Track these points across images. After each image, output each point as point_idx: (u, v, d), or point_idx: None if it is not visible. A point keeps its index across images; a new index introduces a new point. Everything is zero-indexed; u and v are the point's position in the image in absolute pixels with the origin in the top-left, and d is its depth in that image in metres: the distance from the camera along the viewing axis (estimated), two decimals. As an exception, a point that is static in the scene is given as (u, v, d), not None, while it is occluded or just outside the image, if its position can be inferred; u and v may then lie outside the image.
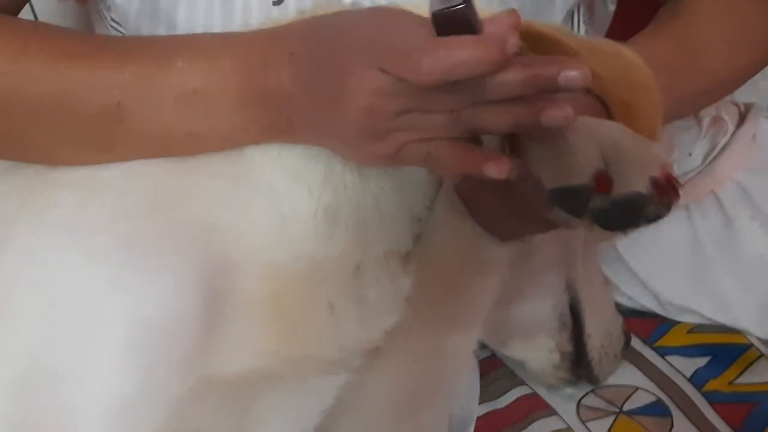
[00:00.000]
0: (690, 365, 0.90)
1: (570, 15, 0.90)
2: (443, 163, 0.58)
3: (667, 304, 0.96)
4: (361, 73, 0.57)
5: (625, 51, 0.72)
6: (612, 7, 1.56)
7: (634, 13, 0.99)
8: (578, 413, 0.87)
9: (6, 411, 0.62)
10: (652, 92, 0.69)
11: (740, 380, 0.89)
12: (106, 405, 0.61)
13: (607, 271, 0.94)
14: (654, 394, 0.88)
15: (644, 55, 0.71)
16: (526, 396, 0.89)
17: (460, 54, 0.53)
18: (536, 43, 0.67)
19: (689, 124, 0.94)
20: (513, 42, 0.54)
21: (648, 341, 0.93)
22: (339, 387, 0.68)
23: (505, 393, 0.90)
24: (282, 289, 0.64)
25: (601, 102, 0.68)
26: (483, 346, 0.90)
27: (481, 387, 0.89)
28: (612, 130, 0.61)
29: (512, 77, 0.55)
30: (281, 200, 0.65)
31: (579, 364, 0.87)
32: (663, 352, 0.92)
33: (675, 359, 0.91)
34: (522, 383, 0.90)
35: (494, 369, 0.92)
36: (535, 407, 0.88)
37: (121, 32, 0.82)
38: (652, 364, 0.91)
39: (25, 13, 1.04)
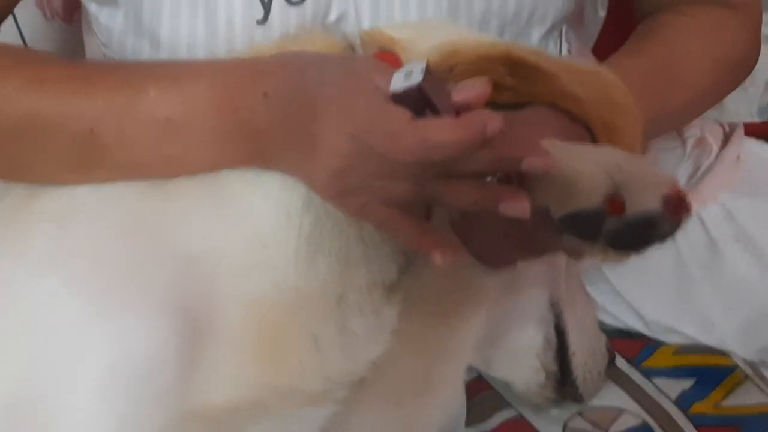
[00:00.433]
0: (676, 387, 0.91)
1: (550, 34, 0.91)
2: (396, 230, 0.60)
3: (652, 324, 0.96)
4: (334, 137, 0.58)
5: (603, 71, 0.72)
6: (602, 13, 1.57)
7: (625, 18, 1.00)
8: (564, 436, 0.88)
9: None
10: (632, 111, 0.70)
11: (726, 403, 0.89)
12: None
13: (592, 291, 0.94)
14: (639, 416, 0.88)
15: (622, 75, 0.72)
16: (512, 419, 0.90)
17: (439, 138, 0.54)
18: (516, 68, 0.67)
19: (674, 145, 0.95)
20: (493, 127, 0.54)
21: (634, 362, 0.94)
22: (324, 418, 0.67)
23: (492, 416, 0.90)
24: (264, 318, 0.64)
25: (582, 124, 0.69)
26: (469, 367, 0.90)
27: (467, 409, 0.89)
28: (613, 152, 0.62)
29: (483, 156, 0.55)
30: (262, 228, 0.65)
31: (564, 383, 0.87)
32: (649, 374, 0.93)
33: (661, 381, 0.91)
34: (508, 406, 0.90)
35: (480, 391, 0.92)
36: (521, 430, 0.88)
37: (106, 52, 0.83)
38: (638, 386, 0.91)
39: (11, 33, 1.05)
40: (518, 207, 0.56)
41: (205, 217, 0.65)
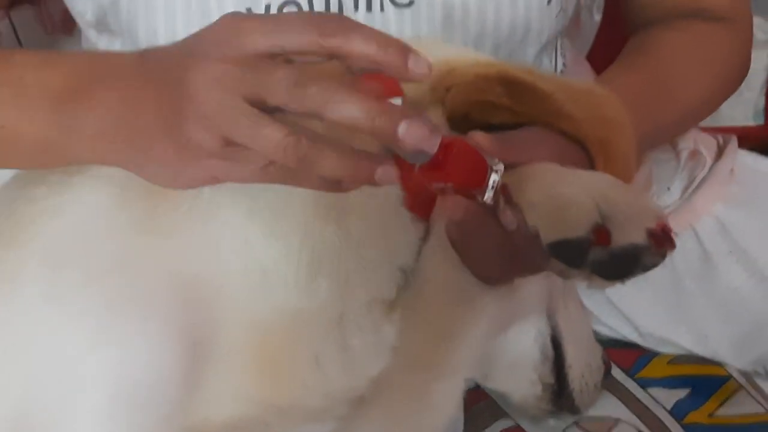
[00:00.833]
0: (670, 397, 0.91)
1: (545, 50, 0.92)
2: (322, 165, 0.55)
3: (647, 335, 0.97)
4: (202, 66, 0.55)
5: (597, 88, 0.74)
6: (598, 17, 1.58)
7: (620, 23, 1.00)
8: (561, 446, 0.89)
9: None
10: (626, 126, 0.71)
11: (720, 412, 0.90)
12: None
13: (588, 302, 0.95)
14: (635, 426, 0.89)
15: (616, 90, 0.73)
16: (509, 429, 0.90)
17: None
18: (512, 88, 0.68)
19: (668, 158, 0.96)
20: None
21: (630, 372, 0.95)
22: (325, 435, 0.68)
23: (489, 426, 0.91)
24: (266, 338, 0.64)
25: (577, 142, 0.70)
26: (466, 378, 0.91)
27: (464, 420, 0.89)
28: (603, 181, 0.63)
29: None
30: (260, 256, 0.65)
31: (561, 395, 0.88)
32: (644, 384, 0.93)
33: (656, 391, 0.92)
34: (505, 416, 0.91)
35: (478, 401, 0.92)
36: (518, 441, 0.89)
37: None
38: (634, 396, 0.92)
39: (12, 46, 1.06)
40: (386, 172, 0.55)
41: (204, 247, 0.66)
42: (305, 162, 0.54)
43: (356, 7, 0.81)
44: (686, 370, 0.94)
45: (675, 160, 0.95)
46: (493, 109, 0.68)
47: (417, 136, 0.54)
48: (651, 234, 0.59)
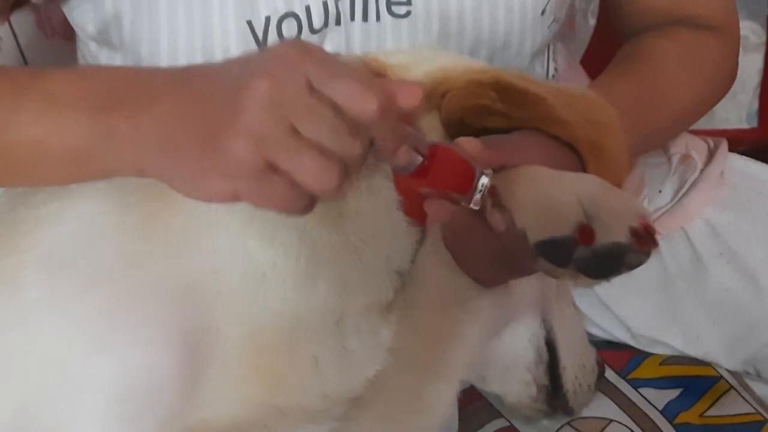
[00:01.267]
0: (662, 397, 0.93)
1: (537, 57, 0.93)
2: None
3: (640, 336, 0.98)
4: (261, 87, 0.56)
5: (589, 93, 0.75)
6: (593, 21, 1.59)
7: (615, 27, 1.02)
8: (555, 446, 0.90)
9: None
10: (617, 131, 0.72)
11: (711, 412, 0.91)
12: None
13: (581, 304, 0.96)
14: (627, 426, 0.90)
15: (608, 96, 0.74)
16: (503, 429, 0.91)
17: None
18: (505, 93, 0.69)
19: (659, 161, 0.97)
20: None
21: (622, 373, 0.96)
22: (323, 435, 0.69)
23: (483, 426, 0.92)
24: (264, 342, 0.65)
25: (569, 146, 0.71)
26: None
27: (459, 420, 0.90)
28: (589, 182, 0.64)
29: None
30: (259, 262, 0.66)
31: (555, 396, 0.89)
32: (636, 385, 0.94)
33: (647, 391, 0.93)
34: (499, 416, 0.92)
35: (472, 402, 0.93)
36: (512, 441, 0.90)
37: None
38: (626, 397, 0.93)
39: (11, 51, 1.06)
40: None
41: (202, 253, 0.66)
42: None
43: (352, 17, 0.82)
44: (678, 371, 0.95)
45: (666, 164, 0.96)
46: (487, 114, 0.69)
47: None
48: (634, 232, 0.60)
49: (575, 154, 0.71)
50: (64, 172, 0.65)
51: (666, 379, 0.94)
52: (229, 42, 0.78)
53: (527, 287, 0.81)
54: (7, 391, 0.64)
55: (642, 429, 0.89)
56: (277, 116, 0.55)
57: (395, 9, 0.83)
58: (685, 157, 0.96)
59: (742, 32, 1.68)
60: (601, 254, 0.60)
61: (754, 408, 0.92)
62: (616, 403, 0.92)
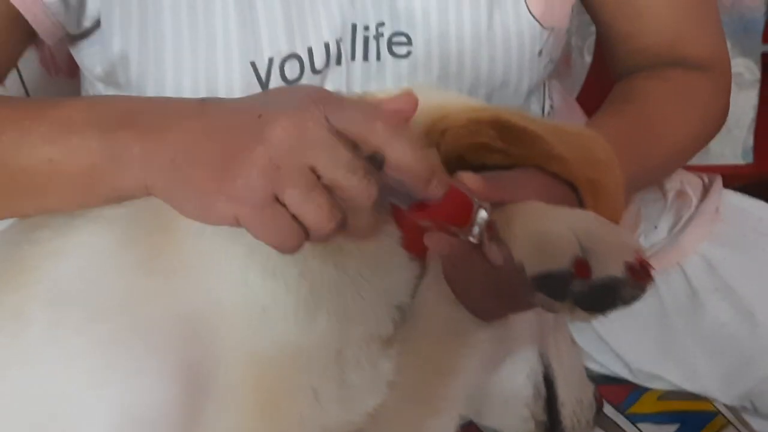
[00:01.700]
0: (660, 432, 0.93)
1: (533, 94, 0.94)
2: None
3: (637, 371, 0.98)
4: (283, 121, 0.58)
5: (586, 131, 0.76)
6: (589, 58, 1.61)
7: (609, 67, 1.03)
8: (553, 482, 0.89)
9: None
10: (614, 168, 0.73)
11: (708, 448, 0.91)
12: None
13: (579, 339, 0.96)
14: (625, 461, 0.90)
15: (604, 134, 0.75)
16: (501, 464, 0.91)
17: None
18: (504, 131, 0.71)
19: (655, 197, 0.97)
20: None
21: (620, 408, 0.96)
22: (322, 469, 0.69)
23: (481, 461, 0.92)
24: (265, 374, 0.66)
25: (568, 183, 0.72)
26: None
27: (458, 455, 0.91)
28: (586, 218, 0.65)
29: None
30: (260, 295, 0.67)
31: (553, 432, 0.90)
32: (634, 420, 0.94)
33: (646, 426, 0.93)
34: (498, 451, 0.92)
35: (471, 437, 0.94)
36: (510, 474, 0.90)
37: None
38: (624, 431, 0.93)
39: (15, 87, 1.08)
40: None
41: (204, 286, 0.67)
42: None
43: (353, 56, 0.83)
44: (675, 405, 0.95)
45: (662, 200, 0.97)
46: (486, 151, 0.71)
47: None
48: (629, 267, 0.61)
49: (573, 191, 0.72)
50: (75, 193, 0.66)
51: (664, 414, 0.94)
52: (232, 82, 0.80)
53: (525, 321, 0.81)
54: (12, 424, 0.65)
55: (640, 464, 0.90)
56: (295, 152, 0.57)
57: (396, 49, 0.84)
58: (681, 194, 0.97)
59: (736, 69, 1.72)
60: (598, 288, 0.61)
61: (752, 443, 0.93)
62: (615, 438, 0.93)
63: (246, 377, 0.66)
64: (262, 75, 0.81)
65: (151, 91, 0.81)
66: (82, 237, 0.69)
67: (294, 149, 0.57)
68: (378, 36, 0.83)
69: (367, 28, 0.83)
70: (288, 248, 0.59)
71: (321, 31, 0.82)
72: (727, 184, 1.00)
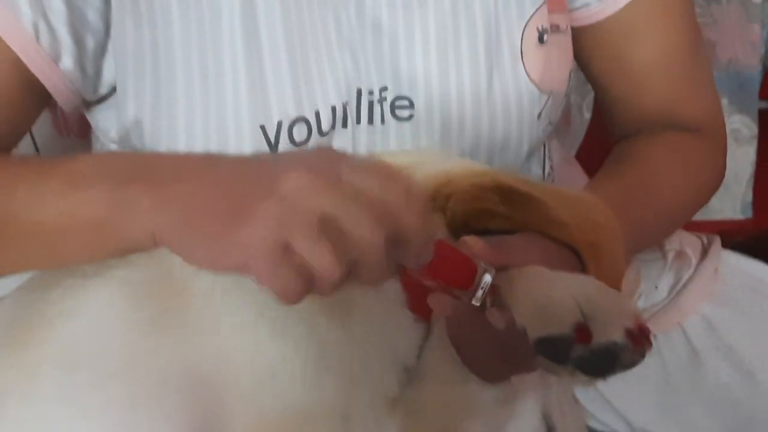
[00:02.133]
0: (663, 492, 0.93)
1: (533, 155, 0.96)
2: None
3: (640, 430, 0.98)
4: (295, 175, 0.59)
5: (587, 195, 0.77)
6: (588, 115, 1.63)
7: (607, 129, 1.05)
8: None
9: None
10: (615, 231, 0.75)
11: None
12: None
13: (582, 398, 0.97)
14: None
15: (603, 197, 0.77)
16: None
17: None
18: (507, 196, 0.72)
19: (655, 258, 0.98)
20: None
21: (623, 467, 0.96)
22: None
23: None
24: None
25: (569, 247, 0.74)
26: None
27: None
28: (586, 283, 0.67)
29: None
30: (269, 356, 0.68)
31: (556, 492, 0.90)
32: (637, 479, 0.95)
33: (648, 485, 0.94)
34: None
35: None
36: None
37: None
38: (627, 490, 0.93)
39: (25, 145, 1.09)
40: None
41: (214, 346, 0.69)
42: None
43: (359, 120, 0.85)
44: (677, 464, 0.96)
45: (662, 260, 0.98)
46: (490, 216, 0.72)
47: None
48: (629, 333, 0.62)
49: (575, 255, 0.73)
50: (86, 245, 0.67)
51: (666, 474, 0.95)
52: (242, 145, 0.82)
53: (529, 383, 0.82)
54: None
55: None
56: (306, 202, 0.58)
57: (399, 112, 0.86)
58: (680, 254, 0.98)
59: (734, 126, 1.74)
60: (598, 353, 0.62)
61: (753, 503, 0.92)
62: (618, 497, 0.93)
63: None
64: (272, 138, 0.83)
65: None
66: (94, 297, 0.71)
67: (305, 199, 0.58)
68: (381, 100, 0.85)
69: (371, 92, 0.85)
70: (292, 296, 0.59)
71: (328, 94, 0.84)
72: (726, 240, 1.01)
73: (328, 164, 0.60)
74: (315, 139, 0.83)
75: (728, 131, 1.70)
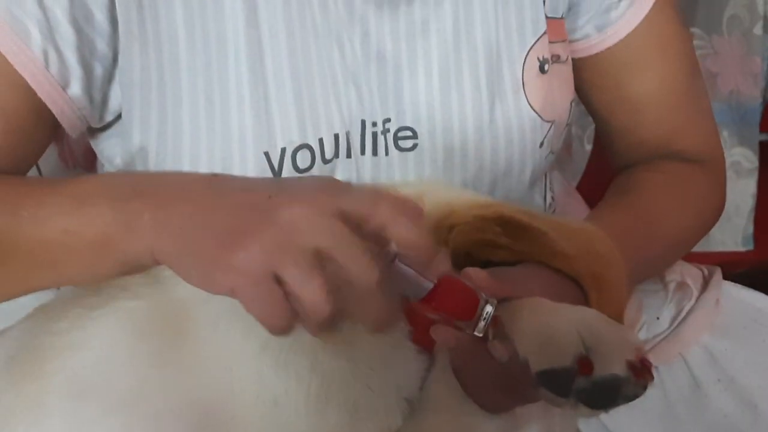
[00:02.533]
0: None
1: (535, 185, 0.97)
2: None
3: (643, 460, 0.99)
4: (296, 205, 0.60)
5: (589, 227, 0.78)
6: (589, 147, 1.64)
7: (608, 160, 1.06)
8: None
9: None
10: (617, 262, 0.76)
11: None
12: None
13: (585, 429, 0.97)
14: None
15: (604, 228, 0.78)
16: None
17: None
18: (509, 227, 0.73)
19: (656, 289, 0.99)
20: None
21: (625, 498, 0.96)
22: None
23: None
24: None
25: (571, 278, 0.74)
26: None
27: None
28: (588, 315, 0.67)
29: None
30: (272, 387, 0.69)
31: None
32: None
33: None
34: None
35: None
36: None
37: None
38: None
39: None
40: None
41: (219, 378, 0.69)
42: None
43: (362, 151, 0.86)
44: (680, 496, 0.95)
45: (663, 292, 0.98)
46: (492, 247, 0.73)
47: None
48: (631, 365, 0.63)
49: (577, 286, 0.74)
50: (88, 261, 0.68)
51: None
52: (247, 171, 0.82)
53: (532, 414, 0.82)
54: None
55: None
56: (301, 234, 0.59)
57: (402, 143, 0.87)
58: (681, 285, 0.98)
59: (735, 158, 1.75)
60: (600, 385, 0.63)
61: None
62: None
63: None
64: (275, 164, 0.83)
65: None
66: (100, 329, 0.72)
67: (300, 231, 0.59)
68: (385, 131, 0.86)
69: (375, 124, 0.86)
70: (276, 326, 0.61)
71: (332, 123, 0.85)
72: (728, 271, 1.01)
73: (329, 195, 0.61)
74: (318, 166, 0.84)
75: (729, 164, 1.72)
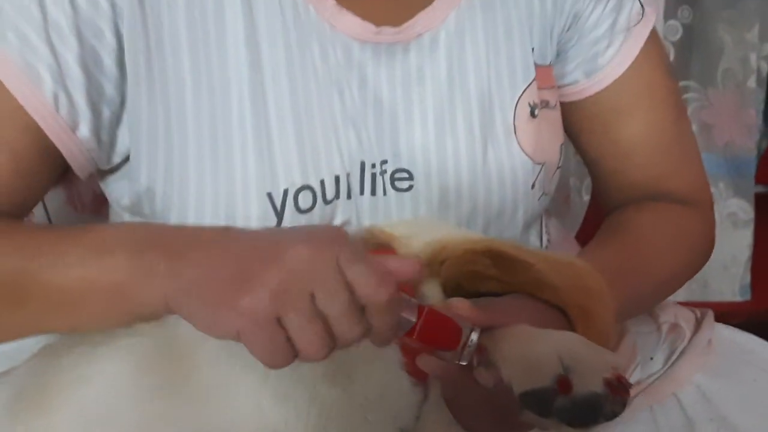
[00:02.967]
0: None
1: (532, 227, 0.99)
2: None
3: (636, 498, 0.99)
4: (299, 250, 0.63)
5: (578, 261, 0.80)
6: (587, 198, 1.66)
7: (600, 201, 1.08)
8: None
9: None
10: (604, 296, 0.78)
11: None
12: None
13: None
14: None
15: (594, 264, 0.80)
16: None
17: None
18: (498, 260, 0.75)
19: (650, 330, 1.00)
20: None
21: None
22: None
23: None
24: None
25: (559, 309, 0.76)
26: None
27: None
28: (568, 338, 0.69)
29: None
30: (272, 418, 0.70)
31: None
32: None
33: None
34: None
35: None
36: None
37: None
38: None
39: (41, 221, 1.12)
40: None
41: (219, 411, 0.71)
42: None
43: (362, 191, 0.88)
44: None
45: (657, 333, 0.99)
46: (481, 279, 0.75)
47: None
48: (608, 383, 0.65)
49: (564, 317, 0.76)
50: (104, 309, 0.70)
51: None
52: (250, 212, 0.84)
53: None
54: None
55: None
56: (304, 281, 0.62)
57: (398, 184, 0.89)
58: (674, 326, 0.99)
59: (731, 209, 1.76)
60: (580, 403, 0.65)
61: None
62: None
63: None
64: (278, 205, 0.85)
65: (174, 221, 0.85)
66: (104, 364, 0.74)
67: (303, 275, 0.62)
68: (382, 173, 0.89)
69: (373, 165, 0.89)
70: (276, 366, 0.63)
71: (332, 165, 0.87)
72: (726, 321, 1.02)
73: (330, 245, 0.63)
74: (320, 207, 0.86)
75: (725, 215, 1.74)
